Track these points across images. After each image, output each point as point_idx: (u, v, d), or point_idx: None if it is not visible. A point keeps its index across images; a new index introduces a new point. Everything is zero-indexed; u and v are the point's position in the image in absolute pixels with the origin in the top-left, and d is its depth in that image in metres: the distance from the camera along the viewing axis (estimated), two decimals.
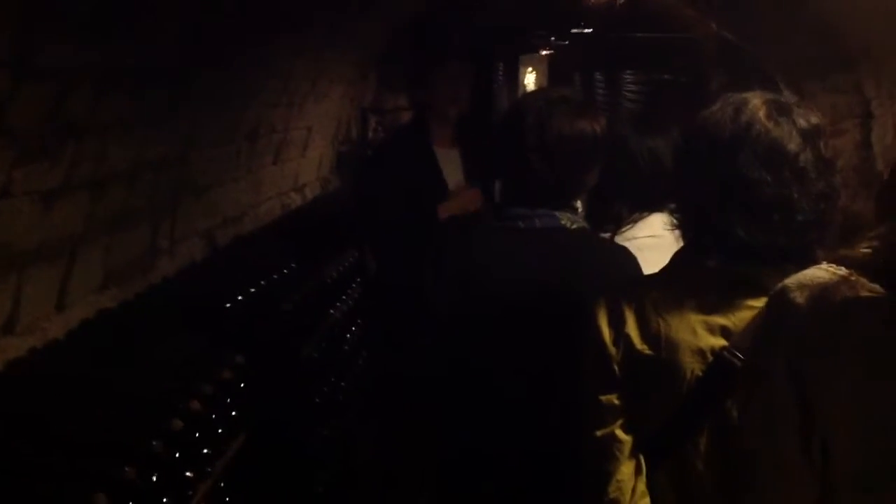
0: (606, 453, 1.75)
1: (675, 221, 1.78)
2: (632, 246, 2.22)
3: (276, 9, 3.23)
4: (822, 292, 1.35)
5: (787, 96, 1.72)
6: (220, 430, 1.94)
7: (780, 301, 1.43)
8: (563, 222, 2.05)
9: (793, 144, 1.63)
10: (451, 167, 3.55)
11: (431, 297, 2.11)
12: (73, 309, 2.44)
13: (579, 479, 1.82)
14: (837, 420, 1.31)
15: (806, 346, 1.35)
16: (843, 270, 1.37)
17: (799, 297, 1.38)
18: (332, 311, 3.24)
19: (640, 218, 2.47)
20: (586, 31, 9.23)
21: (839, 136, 4.25)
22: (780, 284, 1.46)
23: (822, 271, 1.41)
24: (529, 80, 12.74)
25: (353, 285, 3.56)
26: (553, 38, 10.86)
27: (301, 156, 4.61)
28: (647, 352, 1.71)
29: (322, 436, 3.00)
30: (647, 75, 8.79)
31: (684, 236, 1.77)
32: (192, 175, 3.15)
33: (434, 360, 2.14)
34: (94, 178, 2.45)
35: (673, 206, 2.22)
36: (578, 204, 2.22)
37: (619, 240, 2.40)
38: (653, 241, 2.34)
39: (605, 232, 2.45)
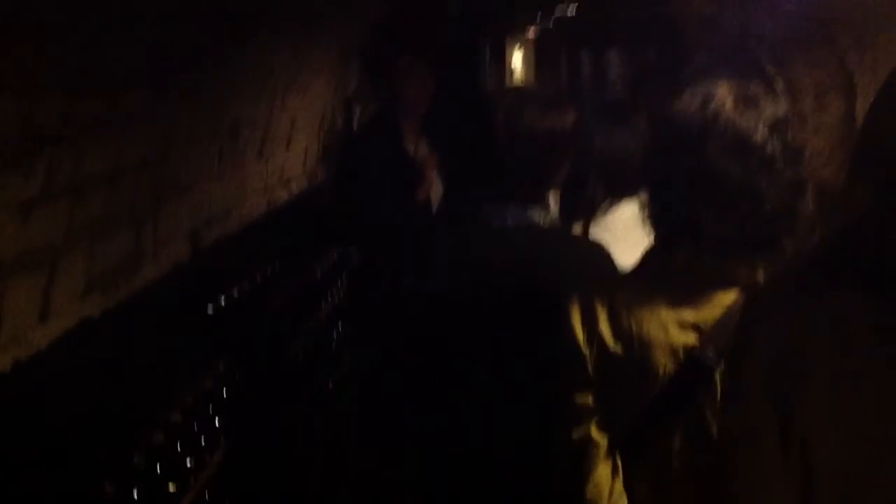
0: (582, 454, 1.75)
1: (645, 216, 1.77)
2: (605, 236, 2.21)
3: (253, 4, 3.20)
4: (797, 294, 1.33)
5: (755, 85, 1.70)
6: (202, 441, 1.93)
7: (754, 303, 1.42)
8: (535, 218, 2.04)
9: (758, 135, 1.62)
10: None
11: (408, 296, 2.11)
12: (58, 318, 2.43)
13: (556, 480, 1.82)
14: (815, 421, 1.29)
15: (783, 350, 1.33)
16: (816, 270, 1.34)
17: (775, 300, 1.36)
18: (318, 309, 3.23)
19: (612, 206, 2.47)
20: (570, 13, 9.19)
21: (823, 110, 4.25)
22: (752, 285, 1.43)
23: (794, 272, 1.38)
24: (517, 59, 12.69)
25: (339, 281, 3.55)
26: (538, 20, 10.81)
27: (285, 149, 4.59)
28: (620, 351, 1.70)
29: (311, 434, 2.99)
30: (632, 54, 8.77)
31: (654, 230, 1.76)
32: (173, 175, 3.13)
33: (411, 356, 2.14)
34: (73, 185, 2.43)
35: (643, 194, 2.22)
36: (550, 198, 2.21)
37: (593, 227, 2.40)
38: (625, 232, 2.33)
39: (578, 220, 2.45)
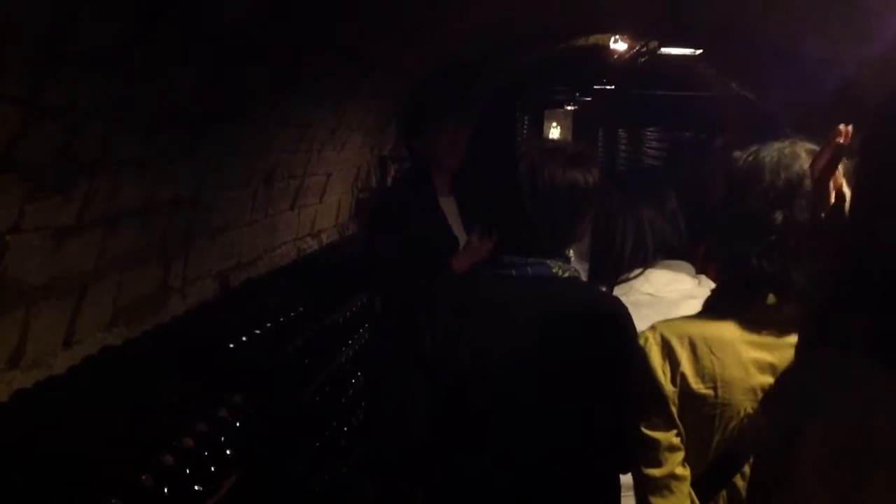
0: (665, 491, 1.79)
1: (726, 264, 1.85)
2: (629, 299, 2.21)
3: (299, 60, 3.28)
4: (822, 360, 1.35)
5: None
6: (212, 469, 1.94)
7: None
8: (554, 270, 2.06)
9: None
10: (451, 216, 3.58)
11: (424, 346, 2.13)
12: (81, 345, 2.46)
13: None
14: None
15: (806, 408, 1.35)
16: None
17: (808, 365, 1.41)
18: (336, 355, 3.24)
19: (640, 273, 2.45)
20: (608, 87, 9.31)
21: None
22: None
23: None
24: (554, 134, 12.81)
25: (361, 330, 3.57)
26: (577, 94, 10.95)
27: (319, 201, 4.65)
28: (704, 391, 1.77)
29: (322, 479, 2.99)
30: (669, 132, 8.84)
31: (728, 277, 1.85)
32: (206, 216, 3.18)
33: (426, 407, 2.14)
34: (107, 216, 2.48)
35: (669, 261, 2.28)
36: (570, 253, 2.24)
37: (618, 290, 2.39)
38: (650, 300, 2.34)
39: (606, 279, 2.45)
